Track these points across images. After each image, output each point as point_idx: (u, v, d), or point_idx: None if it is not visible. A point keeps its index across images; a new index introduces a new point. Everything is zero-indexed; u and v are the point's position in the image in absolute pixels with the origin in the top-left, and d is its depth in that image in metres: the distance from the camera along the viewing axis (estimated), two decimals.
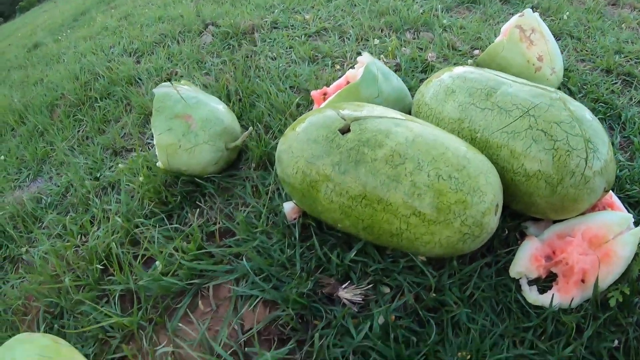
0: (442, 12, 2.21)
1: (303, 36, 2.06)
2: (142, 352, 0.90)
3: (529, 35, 1.32)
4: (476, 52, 1.79)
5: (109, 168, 1.54)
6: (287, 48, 1.98)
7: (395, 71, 1.62)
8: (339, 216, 0.84)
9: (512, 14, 2.16)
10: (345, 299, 0.84)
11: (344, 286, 0.86)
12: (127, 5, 4.34)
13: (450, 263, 0.88)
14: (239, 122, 1.40)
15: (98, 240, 1.16)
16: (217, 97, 1.50)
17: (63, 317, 1.03)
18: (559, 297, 0.81)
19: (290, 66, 1.79)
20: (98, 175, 1.52)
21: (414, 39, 1.94)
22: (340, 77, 1.36)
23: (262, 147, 1.28)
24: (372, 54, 1.79)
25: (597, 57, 1.80)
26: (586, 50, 1.86)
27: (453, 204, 0.74)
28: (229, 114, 1.27)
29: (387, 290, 0.87)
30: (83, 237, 1.25)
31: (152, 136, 1.42)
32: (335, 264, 0.91)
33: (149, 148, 1.56)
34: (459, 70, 1.02)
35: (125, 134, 1.73)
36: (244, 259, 0.98)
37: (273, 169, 1.22)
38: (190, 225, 1.13)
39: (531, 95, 0.87)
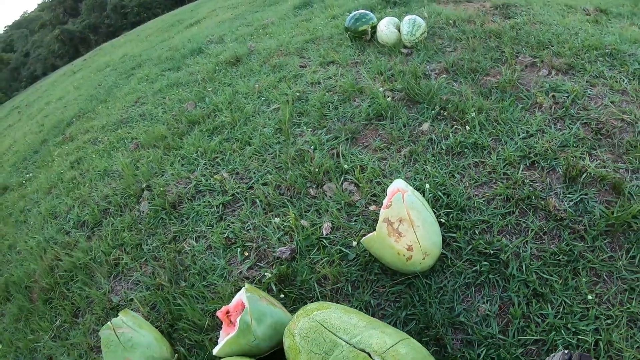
0: (346, 144, 2.65)
1: (221, 206, 2.57)
2: None
3: (397, 228, 1.65)
4: (372, 207, 2.16)
5: None
6: (209, 225, 2.47)
7: (292, 259, 2.09)
8: None
9: (420, 124, 2.59)
10: None
11: None
12: (78, 141, 4.94)
13: None
14: (171, 337, 1.92)
15: None
16: (150, 303, 2.02)
17: None
18: None
19: (208, 255, 2.29)
20: None
21: (315, 197, 2.40)
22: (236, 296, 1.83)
23: None
24: (247, 278, 2.24)
25: (497, 176, 2.12)
26: (486, 168, 2.19)
27: None
28: (158, 345, 1.77)
29: None
30: None
31: None
32: None
33: None
34: (306, 329, 1.40)
35: (91, 331, 2.22)
36: None
37: None
38: None
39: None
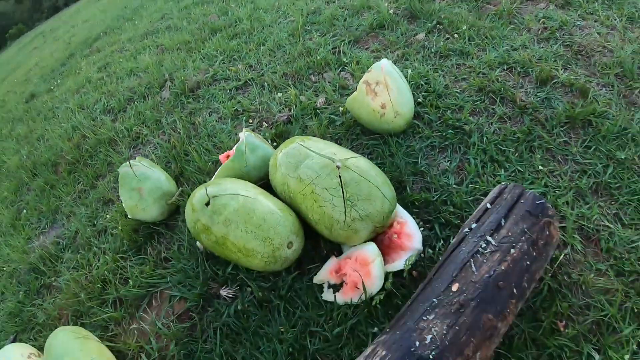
0: (348, 45, 2.96)
1: (234, 89, 2.91)
2: (125, 330, 1.81)
3: (373, 89, 2.00)
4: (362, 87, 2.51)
5: (101, 217, 2.45)
6: (221, 102, 2.82)
7: (288, 122, 2.44)
8: (213, 248, 1.69)
9: (416, 34, 2.86)
10: (224, 295, 1.72)
11: (223, 288, 1.74)
12: (105, 51, 5.29)
13: (281, 274, 1.72)
14: (179, 180, 2.29)
15: (99, 269, 2.08)
16: (164, 160, 2.39)
17: (82, 317, 1.95)
18: (342, 297, 1.53)
19: (218, 123, 2.64)
20: (95, 222, 2.43)
21: (315, 82, 2.74)
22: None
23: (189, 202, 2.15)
24: (252, 130, 2.53)
25: (475, 74, 2.40)
26: (467, 68, 2.47)
27: (254, 247, 1.56)
28: (167, 181, 2.15)
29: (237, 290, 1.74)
30: (89, 268, 2.17)
31: None
32: (220, 276, 1.79)
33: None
34: (287, 148, 1.77)
35: (110, 188, 2.63)
36: (171, 275, 1.88)
37: None
38: (148, 254, 2.03)
39: (319, 167, 1.62)
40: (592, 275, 1.50)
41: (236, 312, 1.66)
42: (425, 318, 1.11)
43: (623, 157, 1.84)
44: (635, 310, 1.40)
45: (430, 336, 1.05)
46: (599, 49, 2.45)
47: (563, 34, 2.61)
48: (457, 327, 1.06)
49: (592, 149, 1.93)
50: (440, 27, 2.89)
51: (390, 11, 3.15)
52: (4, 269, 2.66)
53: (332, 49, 2.98)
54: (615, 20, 2.65)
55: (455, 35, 2.74)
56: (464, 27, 2.76)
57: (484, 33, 2.72)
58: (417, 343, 1.06)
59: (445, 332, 1.06)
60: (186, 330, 1.70)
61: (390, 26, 3.04)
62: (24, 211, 3.04)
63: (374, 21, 3.11)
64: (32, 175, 3.40)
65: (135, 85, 3.51)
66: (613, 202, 1.72)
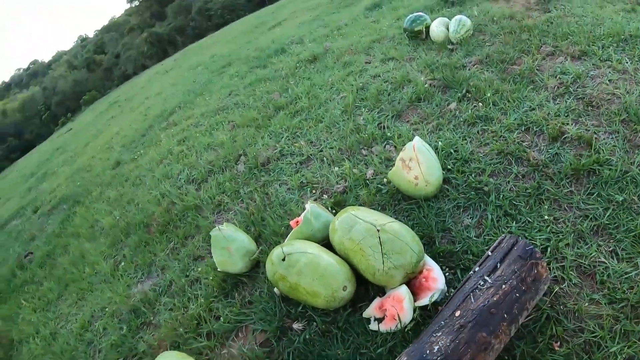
0: (392, 119, 3.58)
1: (298, 164, 3.58)
2: (217, 355, 2.40)
3: (407, 164, 2.59)
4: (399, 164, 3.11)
5: (192, 269, 3.11)
6: (289, 175, 3.48)
7: (343, 192, 3.05)
8: (287, 292, 2.29)
9: (449, 104, 3.44)
10: (295, 328, 2.29)
11: (294, 322, 2.31)
12: (182, 125, 6.25)
13: (339, 311, 2.28)
14: (258, 240, 2.94)
15: (194, 310, 2.71)
16: (245, 224, 3.05)
17: (179, 347, 2.56)
18: (384, 326, 2.08)
19: (287, 193, 3.30)
20: (187, 274, 3.09)
21: (365, 155, 3.35)
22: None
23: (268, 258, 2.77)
24: (315, 199, 3.13)
25: (497, 138, 2.90)
26: (490, 133, 3.00)
27: (318, 290, 2.15)
28: (249, 242, 2.79)
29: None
30: (185, 309, 2.80)
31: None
32: (292, 313, 2.36)
33: (211, 256, 3.12)
34: (342, 216, 2.38)
35: (199, 246, 3.30)
36: (254, 313, 2.47)
37: None
38: (235, 298, 2.64)
39: (365, 230, 2.22)
40: (586, 303, 1.92)
41: (305, 340, 2.21)
42: (434, 335, 1.62)
43: (621, 199, 2.27)
44: (624, 330, 1.79)
45: (437, 347, 1.57)
46: (608, 97, 2.90)
47: (577, 88, 3.08)
48: (457, 341, 1.57)
49: (594, 195, 2.36)
50: (469, 95, 3.47)
51: (426, 85, 3.79)
52: (106, 309, 3.36)
53: (378, 124, 3.62)
54: (627, 63, 3.06)
55: (480, 104, 3.29)
56: (489, 94, 3.30)
57: (506, 97, 3.25)
58: (428, 352, 1.57)
59: (448, 344, 1.57)
60: (266, 354, 2.26)
61: (426, 98, 3.66)
62: (122, 263, 3.78)
63: (413, 94, 3.75)
64: (126, 234, 4.18)
65: (214, 159, 4.28)
66: (611, 240, 2.13)
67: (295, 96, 4.97)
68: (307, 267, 2.20)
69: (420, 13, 4.90)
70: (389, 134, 3.43)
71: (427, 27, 4.75)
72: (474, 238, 2.37)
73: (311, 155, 3.63)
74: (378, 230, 2.15)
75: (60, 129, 24.73)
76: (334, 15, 8.81)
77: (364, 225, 2.21)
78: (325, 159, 3.48)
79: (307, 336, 2.22)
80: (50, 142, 20.83)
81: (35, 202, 8.60)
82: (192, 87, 8.96)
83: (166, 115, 7.80)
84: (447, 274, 2.21)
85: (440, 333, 1.62)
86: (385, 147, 3.33)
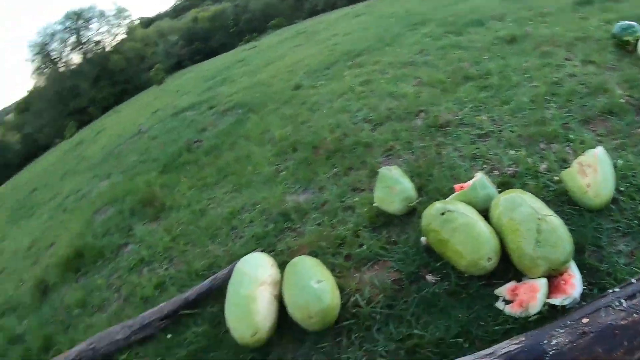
0: (578, 124, 3.42)
1: (476, 136, 3.63)
2: (349, 275, 2.66)
3: (584, 170, 2.55)
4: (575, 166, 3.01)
5: (349, 198, 3.39)
6: (464, 143, 3.56)
7: (513, 176, 3.06)
8: (434, 245, 2.46)
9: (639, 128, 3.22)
10: (428, 279, 2.46)
11: (429, 273, 2.48)
12: (366, 68, 6.50)
13: (474, 278, 2.39)
14: (420, 192, 3.11)
15: (340, 232, 3.01)
16: (410, 174, 3.24)
17: (317, 257, 2.87)
18: (510, 309, 2.16)
19: (459, 159, 3.39)
20: (343, 200, 3.39)
21: (543, 149, 3.28)
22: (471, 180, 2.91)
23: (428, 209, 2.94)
24: (485, 172, 3.16)
25: None
26: None
27: (465, 252, 2.28)
28: (412, 189, 2.98)
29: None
30: (332, 227, 3.10)
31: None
32: (430, 265, 2.53)
33: (370, 192, 3.36)
34: (508, 195, 2.45)
35: (360, 180, 3.57)
36: (395, 252, 2.68)
37: None
38: (382, 234, 2.87)
39: (527, 214, 2.26)
40: None
41: (433, 293, 2.38)
42: (557, 330, 1.71)
43: None
44: None
45: (555, 341, 1.65)
46: None
47: None
48: (575, 344, 1.63)
49: None
50: None
51: (622, 100, 3.50)
52: (258, 206, 3.82)
53: (564, 123, 3.47)
54: None
55: None
56: None
57: None
58: (546, 341, 1.67)
59: (566, 343, 1.64)
60: (394, 291, 2.47)
61: (619, 113, 3.39)
62: (283, 172, 4.24)
63: (606, 105, 3.51)
64: (293, 149, 4.61)
65: (394, 107, 4.49)
66: None
67: (486, 71, 4.90)
68: (461, 228, 2.33)
69: (634, 23, 4.45)
70: (571, 136, 3.28)
71: (637, 40, 4.31)
72: (622, 265, 2.27)
73: (490, 132, 3.64)
74: (539, 218, 2.20)
75: (244, 45, 26.67)
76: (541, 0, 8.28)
77: (528, 210, 2.27)
78: (503, 139, 3.48)
79: (437, 290, 2.38)
80: (234, 54, 22.62)
81: (212, 102, 9.72)
82: (383, 35, 9.15)
83: (353, 55, 8.12)
84: (585, 287, 2.19)
85: (562, 330, 1.70)
86: (564, 147, 3.22)
